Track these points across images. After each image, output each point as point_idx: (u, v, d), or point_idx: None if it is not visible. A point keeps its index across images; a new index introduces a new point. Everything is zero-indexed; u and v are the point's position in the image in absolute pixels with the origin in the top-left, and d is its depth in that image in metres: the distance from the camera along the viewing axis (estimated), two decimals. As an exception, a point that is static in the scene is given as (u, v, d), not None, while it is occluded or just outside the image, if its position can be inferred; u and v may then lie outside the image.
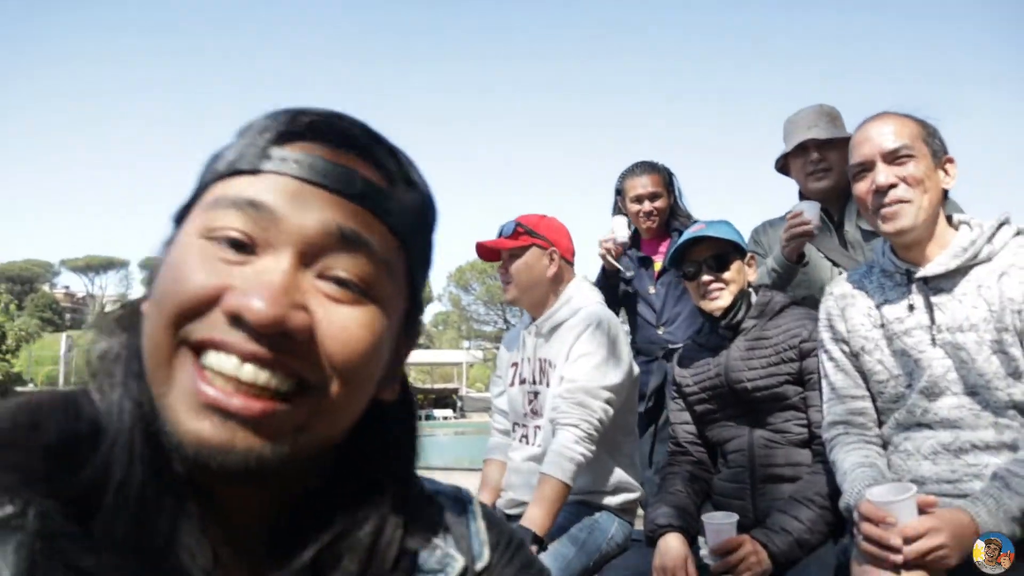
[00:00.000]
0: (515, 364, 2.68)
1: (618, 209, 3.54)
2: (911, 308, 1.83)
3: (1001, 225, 1.80)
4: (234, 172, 0.60)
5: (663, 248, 3.45)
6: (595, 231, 3.45)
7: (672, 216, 3.46)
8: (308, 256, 0.59)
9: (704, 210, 4.30)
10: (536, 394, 2.55)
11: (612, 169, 4.03)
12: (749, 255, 2.31)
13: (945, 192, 1.86)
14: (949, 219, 1.89)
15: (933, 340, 1.78)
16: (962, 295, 1.77)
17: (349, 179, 0.60)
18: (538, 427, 2.52)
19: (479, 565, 0.74)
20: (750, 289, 2.30)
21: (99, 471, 0.55)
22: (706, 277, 2.24)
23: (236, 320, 0.55)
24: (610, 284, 3.40)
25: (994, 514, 1.52)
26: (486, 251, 2.61)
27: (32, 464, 0.54)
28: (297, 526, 0.63)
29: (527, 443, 2.54)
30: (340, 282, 0.60)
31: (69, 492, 0.54)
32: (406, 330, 0.68)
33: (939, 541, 1.50)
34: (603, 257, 3.36)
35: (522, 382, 2.61)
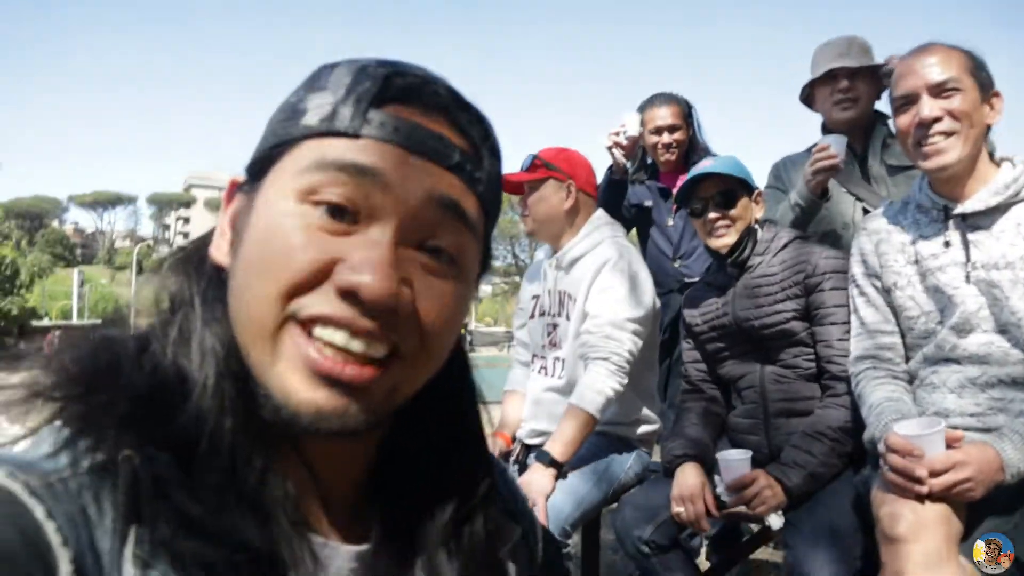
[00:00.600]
0: (536, 296, 2.67)
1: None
2: (947, 244, 1.80)
3: None
4: (330, 132, 0.58)
5: (681, 181, 3.37)
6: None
7: (691, 150, 3.37)
8: (410, 226, 0.58)
9: (723, 144, 4.16)
10: (555, 326, 2.54)
11: (631, 99, 3.90)
12: (756, 192, 2.26)
13: (988, 127, 1.79)
14: (991, 155, 1.83)
15: (968, 277, 1.75)
16: (1000, 232, 1.73)
17: (447, 148, 0.60)
18: (557, 358, 2.51)
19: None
20: (756, 226, 2.25)
21: (191, 421, 0.55)
22: (712, 214, 2.20)
23: (349, 295, 0.55)
24: (616, 187, 3.31)
25: (1020, 449, 1.53)
26: (507, 184, 2.56)
27: (124, 410, 0.53)
28: (381, 476, 0.67)
29: (546, 374, 2.55)
30: (436, 252, 0.60)
31: (161, 440, 0.53)
32: (476, 284, 0.70)
33: (965, 475, 1.51)
34: (610, 151, 3.23)
35: (542, 314, 2.61)
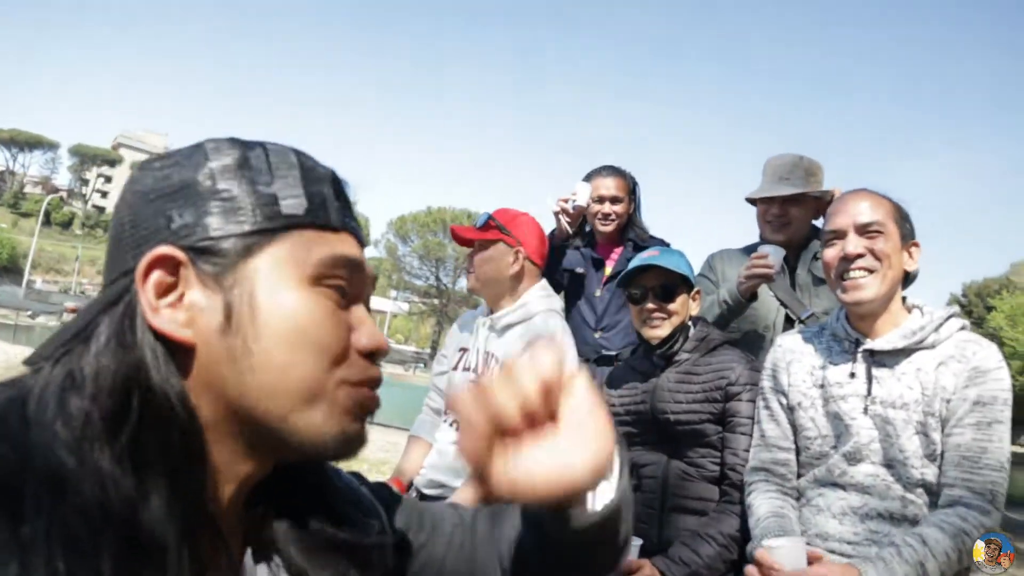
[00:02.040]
0: (464, 349, 2.65)
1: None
2: (852, 375, 1.90)
3: (949, 317, 1.88)
4: (319, 225, 0.70)
5: (615, 254, 3.45)
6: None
7: (628, 225, 3.46)
8: (358, 295, 0.73)
9: (657, 225, 4.28)
10: None
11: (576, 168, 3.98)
12: (695, 290, 2.33)
13: (907, 274, 1.92)
14: (903, 300, 1.96)
15: (866, 409, 1.85)
16: (901, 374, 1.84)
17: (362, 231, 0.76)
18: None
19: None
20: (690, 323, 2.32)
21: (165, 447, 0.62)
22: (650, 305, 2.25)
23: (372, 355, 0.71)
24: (554, 252, 3.30)
25: (881, 574, 1.60)
26: (459, 237, 2.59)
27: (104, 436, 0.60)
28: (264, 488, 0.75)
29: (458, 428, 2.51)
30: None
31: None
32: None
33: None
34: (557, 216, 3.29)
35: (466, 369, 2.59)
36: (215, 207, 0.66)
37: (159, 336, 0.64)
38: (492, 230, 2.51)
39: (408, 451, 2.67)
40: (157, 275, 0.64)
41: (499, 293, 2.54)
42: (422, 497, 2.48)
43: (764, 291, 2.75)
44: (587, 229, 3.53)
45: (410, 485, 2.55)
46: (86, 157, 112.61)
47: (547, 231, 3.32)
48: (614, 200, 3.36)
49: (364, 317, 0.71)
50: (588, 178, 3.45)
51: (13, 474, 0.54)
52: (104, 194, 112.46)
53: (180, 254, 0.65)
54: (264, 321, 0.65)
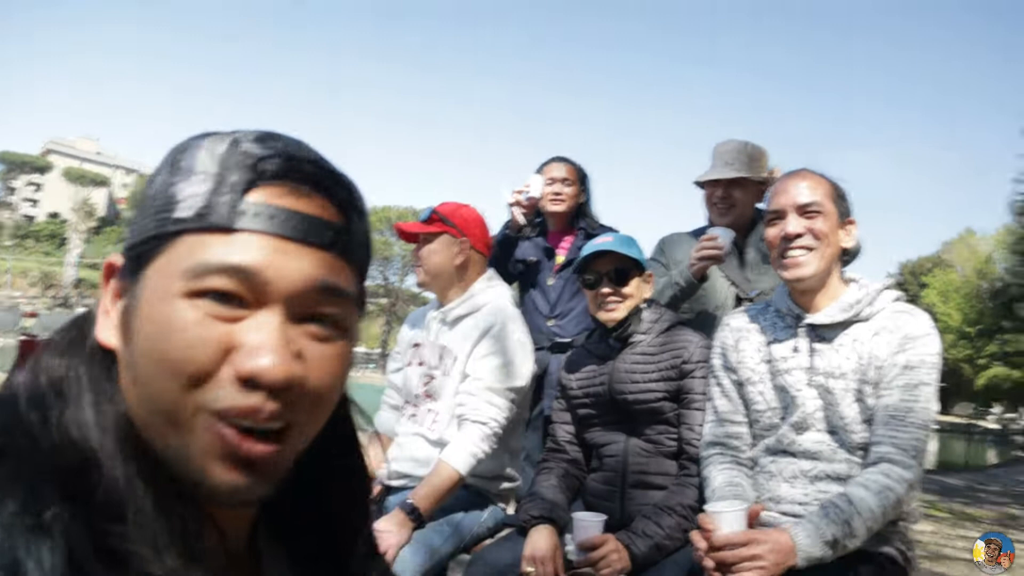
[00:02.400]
0: (417, 345, 2.69)
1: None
2: (795, 349, 2.00)
3: (883, 290, 2.00)
4: (206, 228, 0.61)
5: (567, 242, 3.54)
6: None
7: (580, 215, 3.56)
8: (294, 308, 0.62)
9: (612, 220, 4.38)
10: (432, 378, 2.56)
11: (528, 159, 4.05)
12: (648, 273, 2.42)
13: (844, 250, 2.03)
14: (840, 274, 2.06)
15: (809, 381, 1.96)
16: (839, 345, 1.95)
17: (321, 230, 0.63)
18: (431, 410, 2.54)
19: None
20: (643, 305, 2.40)
21: (111, 490, 0.58)
22: (605, 289, 2.33)
23: (250, 382, 0.59)
24: (508, 243, 3.43)
25: (811, 536, 1.70)
26: (404, 233, 2.62)
27: (45, 471, 0.56)
28: (273, 518, 0.72)
29: (416, 422, 2.56)
30: (319, 320, 0.64)
31: (83, 504, 0.56)
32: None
33: (756, 551, 1.67)
34: (511, 207, 3.37)
35: (420, 364, 2.62)
36: (138, 214, 0.65)
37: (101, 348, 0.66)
38: (436, 223, 2.56)
39: (371, 448, 2.69)
40: (112, 282, 0.67)
41: (447, 285, 2.59)
42: (388, 490, 2.52)
43: (715, 272, 2.86)
44: (539, 220, 3.61)
45: (372, 479, 2.57)
46: (14, 164, 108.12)
47: (498, 223, 3.41)
48: (564, 181, 3.49)
49: (261, 328, 0.60)
50: (540, 169, 3.55)
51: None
52: (34, 202, 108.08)
53: (119, 262, 0.66)
54: (139, 332, 0.61)
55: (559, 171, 3.49)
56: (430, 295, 2.73)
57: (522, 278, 3.60)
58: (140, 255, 0.63)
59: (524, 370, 2.47)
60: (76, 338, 0.67)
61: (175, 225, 0.61)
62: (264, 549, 0.72)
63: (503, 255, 3.36)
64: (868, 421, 1.89)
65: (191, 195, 0.61)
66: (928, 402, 1.85)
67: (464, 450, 2.29)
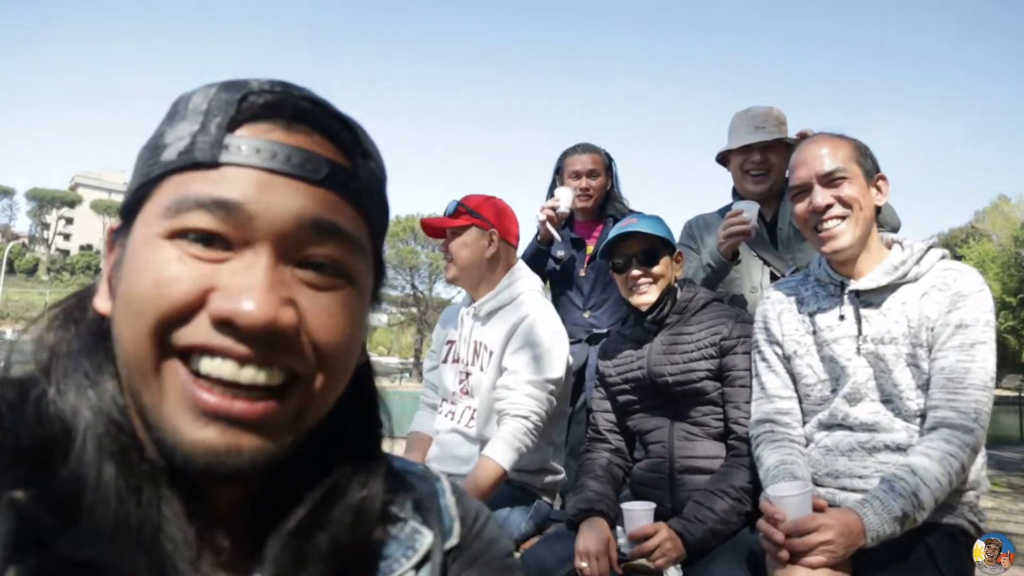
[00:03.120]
0: (451, 342, 2.65)
1: (554, 187, 3.49)
2: (841, 318, 1.93)
3: (929, 248, 1.91)
4: (190, 165, 0.57)
5: (597, 232, 3.47)
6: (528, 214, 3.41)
7: (607, 201, 3.48)
8: (285, 248, 0.57)
9: (640, 203, 4.29)
10: (468, 374, 2.53)
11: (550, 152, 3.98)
12: (677, 251, 2.35)
13: (878, 208, 1.95)
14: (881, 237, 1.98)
15: (858, 349, 1.88)
16: (887, 309, 1.87)
17: (314, 164, 0.58)
18: (469, 407, 2.50)
19: (450, 542, 0.73)
20: (676, 285, 2.33)
21: (77, 467, 0.53)
22: (635, 271, 2.27)
23: (226, 325, 0.54)
24: (540, 254, 3.37)
25: (879, 514, 1.63)
26: (430, 228, 2.58)
27: (9, 454, 0.53)
28: (276, 501, 0.62)
29: (453, 419, 2.53)
30: (318, 267, 0.59)
31: (50, 485, 0.52)
32: (372, 298, 0.68)
33: (827, 536, 1.60)
34: (542, 223, 3.30)
35: (456, 360, 2.59)
36: (134, 167, 0.61)
37: (99, 317, 0.62)
38: (463, 216, 2.51)
39: (410, 448, 2.67)
40: (114, 252, 0.62)
41: (478, 278, 2.55)
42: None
43: (747, 252, 2.77)
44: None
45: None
46: (44, 200, 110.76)
47: (521, 213, 3.35)
48: (591, 174, 3.39)
49: (245, 269, 0.55)
50: (564, 155, 3.47)
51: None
52: (67, 236, 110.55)
53: (117, 225, 0.63)
54: (121, 282, 0.58)
55: (584, 163, 3.40)
56: (458, 295, 2.70)
57: (554, 275, 3.54)
58: (130, 207, 0.60)
59: (560, 360, 2.42)
60: (74, 309, 0.63)
61: (160, 168, 0.58)
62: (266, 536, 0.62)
63: (537, 265, 3.28)
64: (923, 387, 1.81)
65: (178, 137, 0.58)
66: (986, 361, 1.76)
67: (506, 444, 2.25)
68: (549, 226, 3.27)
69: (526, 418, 2.30)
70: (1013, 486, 7.38)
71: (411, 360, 58.83)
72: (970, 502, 1.79)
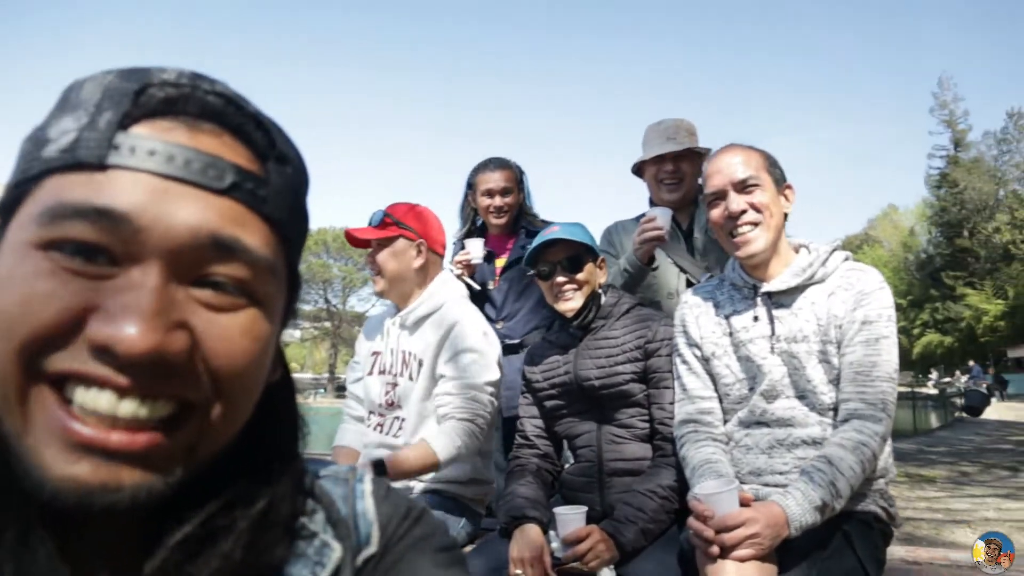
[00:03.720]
0: (376, 353, 2.62)
1: (467, 203, 3.55)
2: (756, 319, 2.03)
3: (833, 251, 2.04)
4: (73, 165, 0.50)
5: (509, 245, 3.50)
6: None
7: (520, 214, 3.51)
8: (178, 266, 0.51)
9: (550, 211, 4.35)
10: (395, 385, 2.51)
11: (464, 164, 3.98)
12: (600, 258, 2.40)
13: (785, 215, 2.06)
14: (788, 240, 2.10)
15: (772, 348, 1.98)
16: (798, 309, 1.98)
17: (217, 170, 0.52)
18: (398, 418, 2.48)
19: (366, 552, 0.67)
20: (600, 290, 2.39)
21: None
22: (560, 278, 2.31)
23: (105, 352, 0.47)
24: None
25: (801, 504, 1.71)
26: (353, 239, 2.54)
27: None
28: (173, 520, 0.55)
29: (382, 431, 2.50)
30: (217, 286, 0.52)
31: None
32: (286, 314, 0.62)
33: (754, 530, 1.67)
34: (460, 278, 3.27)
35: (382, 372, 2.56)
36: (16, 159, 0.54)
37: None
38: (390, 226, 2.49)
39: (336, 460, 2.62)
40: None
41: (407, 290, 2.53)
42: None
43: (664, 259, 2.86)
44: (478, 223, 3.57)
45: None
46: None
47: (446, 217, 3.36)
48: (504, 192, 3.41)
49: (130, 289, 0.48)
50: (474, 172, 3.49)
51: None
52: None
53: None
54: None
55: (496, 181, 3.40)
56: (373, 308, 2.67)
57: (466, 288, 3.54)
58: (6, 206, 0.52)
59: (494, 363, 2.44)
60: None
61: (40, 165, 0.51)
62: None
63: None
64: (835, 381, 1.92)
65: (63, 131, 0.51)
66: (890, 354, 1.88)
67: (448, 439, 2.25)
68: (466, 278, 3.29)
69: (471, 421, 2.31)
70: (909, 475, 7.83)
71: (325, 375, 57.61)
72: (880, 489, 1.91)
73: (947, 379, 40.64)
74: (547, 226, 3.31)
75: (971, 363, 37.54)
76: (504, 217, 3.42)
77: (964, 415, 21.52)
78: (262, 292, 0.55)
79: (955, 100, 58.17)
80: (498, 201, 3.40)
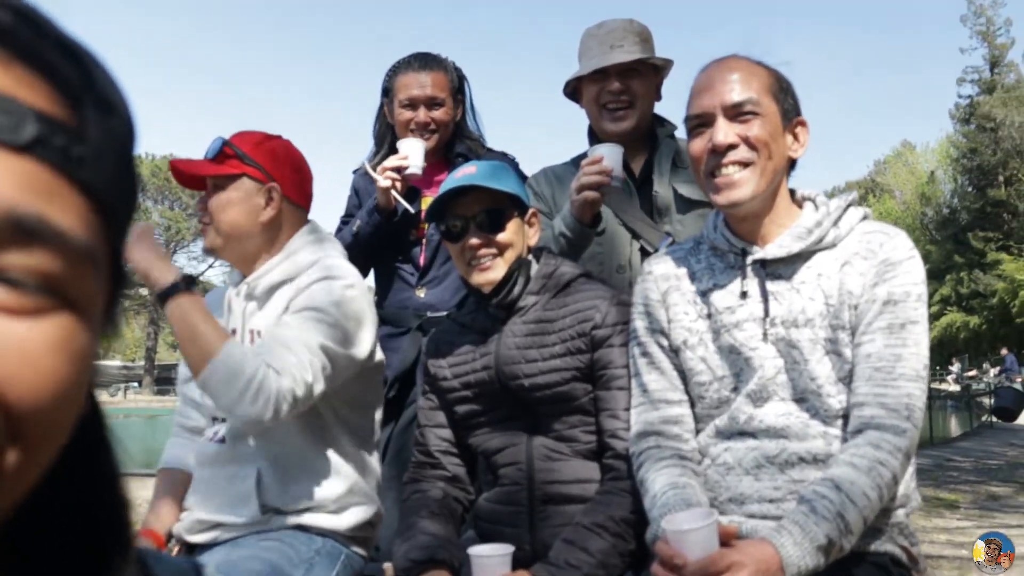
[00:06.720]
0: None
1: (383, 117, 3.43)
2: (744, 295, 2.04)
3: (848, 207, 2.05)
4: None
5: (440, 179, 3.28)
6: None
7: (457, 136, 3.41)
8: None
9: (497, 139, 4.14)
10: None
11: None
12: (531, 210, 2.37)
13: (792, 161, 2.07)
14: (792, 193, 2.11)
15: (765, 335, 2.00)
16: (801, 284, 2.00)
17: (11, 117, 0.48)
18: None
19: None
20: (530, 257, 2.36)
21: None
22: (474, 240, 2.25)
23: None
24: (378, 232, 3.22)
25: (800, 544, 1.73)
26: (183, 176, 2.45)
27: None
28: None
29: (222, 441, 2.42)
30: (12, 283, 0.49)
31: None
32: (106, 317, 0.59)
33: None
34: (383, 191, 3.12)
35: None
36: None
37: None
38: (231, 161, 2.39)
39: (161, 493, 2.56)
40: None
41: (252, 249, 2.44)
42: (190, 548, 2.38)
43: (613, 221, 2.83)
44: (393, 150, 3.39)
45: (169, 537, 2.44)
46: None
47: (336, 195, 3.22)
48: (432, 103, 3.27)
49: None
50: (393, 74, 3.35)
51: None
52: None
53: None
54: None
55: (421, 86, 3.25)
56: (217, 275, 2.59)
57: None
58: None
59: (366, 337, 2.36)
60: None
61: None
62: None
63: (373, 253, 3.21)
64: (845, 380, 1.95)
65: None
66: (919, 345, 1.91)
67: (255, 359, 2.13)
68: (395, 194, 3.11)
69: (292, 376, 2.14)
70: (925, 498, 8.16)
71: (141, 363, 56.18)
72: (900, 523, 1.96)
73: (972, 372, 42.21)
74: (492, 157, 3.22)
75: (1004, 351, 38.73)
76: (432, 138, 3.27)
77: (994, 419, 22.23)
78: (77, 291, 0.52)
79: (994, 5, 58.90)
80: (423, 115, 3.24)
